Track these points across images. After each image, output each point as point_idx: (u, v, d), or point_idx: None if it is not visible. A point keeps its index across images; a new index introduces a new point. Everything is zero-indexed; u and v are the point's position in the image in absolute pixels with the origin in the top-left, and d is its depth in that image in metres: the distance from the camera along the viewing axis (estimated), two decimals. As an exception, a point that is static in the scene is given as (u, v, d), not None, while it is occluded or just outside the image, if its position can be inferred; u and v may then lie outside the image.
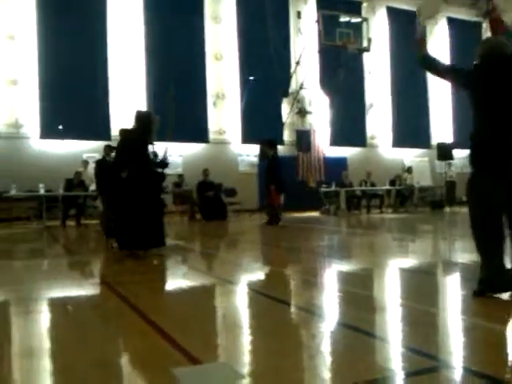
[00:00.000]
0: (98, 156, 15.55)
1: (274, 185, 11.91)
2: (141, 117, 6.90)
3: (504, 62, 3.89)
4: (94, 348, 2.95)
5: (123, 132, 7.15)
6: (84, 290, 4.89)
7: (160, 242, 6.62)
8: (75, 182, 13.36)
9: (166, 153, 7.19)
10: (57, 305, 4.31)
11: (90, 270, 6.53)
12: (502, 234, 3.76)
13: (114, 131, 16.26)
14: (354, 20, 18.83)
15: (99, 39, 16.50)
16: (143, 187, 6.47)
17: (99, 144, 15.83)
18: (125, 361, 2.81)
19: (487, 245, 3.78)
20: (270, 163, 12.23)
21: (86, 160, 14.37)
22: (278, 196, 11.99)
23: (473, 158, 3.91)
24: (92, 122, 15.93)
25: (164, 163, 7.15)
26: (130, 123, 7.02)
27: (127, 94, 16.76)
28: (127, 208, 6.42)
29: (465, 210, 4.23)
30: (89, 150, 15.86)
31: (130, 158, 6.56)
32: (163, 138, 7.39)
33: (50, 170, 14.31)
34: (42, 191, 13.15)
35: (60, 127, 15.82)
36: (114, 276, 5.78)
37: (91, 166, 15.32)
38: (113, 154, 11.04)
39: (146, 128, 6.74)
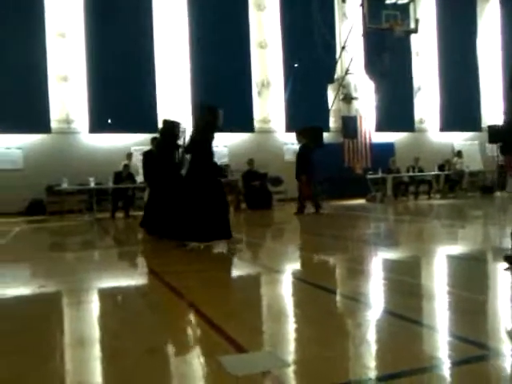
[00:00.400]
0: (145, 148, 15.92)
1: (305, 175, 11.79)
2: (206, 111, 6.93)
3: None
4: (143, 337, 3.03)
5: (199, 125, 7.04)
6: (133, 279, 5.01)
7: (227, 235, 6.55)
8: (124, 175, 13.65)
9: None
10: (107, 295, 4.44)
11: (138, 260, 6.69)
12: None
13: (161, 123, 16.53)
14: (401, 1, 18.36)
15: (145, 32, 16.71)
16: (208, 181, 6.50)
17: (146, 136, 16.14)
18: (173, 349, 2.87)
19: None
20: (300, 152, 12.14)
21: (130, 152, 14.64)
22: (308, 187, 11.83)
23: None
24: (139, 115, 16.18)
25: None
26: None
27: (173, 86, 16.97)
28: (194, 201, 6.40)
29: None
30: (136, 142, 16.14)
31: (197, 154, 6.63)
32: None
33: (99, 164, 14.67)
34: (92, 184, 13.48)
35: (109, 121, 16.17)
36: (162, 266, 5.89)
37: (137, 158, 15.66)
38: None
39: (211, 123, 6.74)
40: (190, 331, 3.17)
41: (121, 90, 15.96)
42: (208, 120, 6.68)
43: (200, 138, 6.61)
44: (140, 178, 14.65)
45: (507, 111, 4.07)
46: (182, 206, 6.49)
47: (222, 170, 7.59)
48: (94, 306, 4.04)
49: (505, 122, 4.07)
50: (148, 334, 3.09)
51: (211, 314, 3.44)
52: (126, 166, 13.91)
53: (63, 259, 6.85)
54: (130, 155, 14.47)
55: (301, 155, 12.01)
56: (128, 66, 16.14)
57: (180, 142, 7.57)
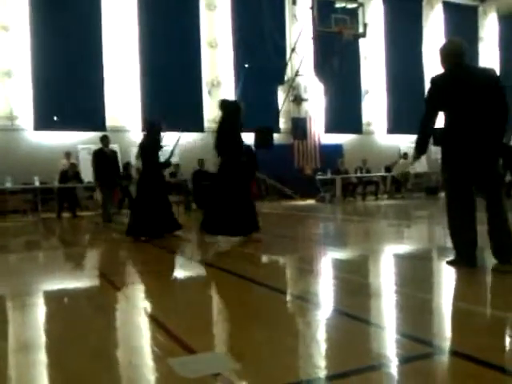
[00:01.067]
0: (92, 147, 15.58)
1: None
2: (228, 106, 7.27)
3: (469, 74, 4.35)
4: (89, 340, 2.95)
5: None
6: (80, 281, 4.89)
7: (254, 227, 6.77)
8: (70, 174, 13.33)
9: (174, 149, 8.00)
10: (52, 298, 4.31)
11: (85, 262, 6.54)
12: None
13: (109, 122, 16.23)
14: (350, 6, 18.67)
15: (93, 29, 16.33)
16: (237, 177, 6.71)
17: (93, 135, 15.80)
18: (120, 352, 2.81)
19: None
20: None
21: (69, 152, 14.28)
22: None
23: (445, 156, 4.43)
24: (86, 113, 15.80)
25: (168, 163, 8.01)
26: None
27: (121, 84, 16.69)
28: (222, 197, 6.60)
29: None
30: (83, 141, 15.80)
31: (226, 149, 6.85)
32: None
33: (44, 162, 14.24)
34: (36, 183, 13.11)
35: (55, 118, 15.71)
36: (110, 267, 5.79)
37: (83, 157, 15.31)
38: (112, 146, 11.16)
39: (234, 117, 7.02)
40: (137, 334, 3.11)
41: (67, 86, 15.56)
42: (232, 113, 7.05)
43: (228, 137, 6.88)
44: (87, 177, 14.38)
45: (421, 122, 4.59)
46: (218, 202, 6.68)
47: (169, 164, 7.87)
48: (38, 309, 3.91)
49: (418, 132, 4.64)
50: (94, 337, 3.01)
51: (160, 316, 3.40)
52: (73, 165, 13.59)
53: (6, 261, 6.61)
54: (68, 154, 14.11)
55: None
56: (75, 63, 15.73)
57: (162, 142, 7.70)
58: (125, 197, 13.58)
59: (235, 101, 7.62)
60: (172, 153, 7.93)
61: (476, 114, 4.22)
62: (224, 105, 7.24)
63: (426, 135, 4.59)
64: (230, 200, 6.53)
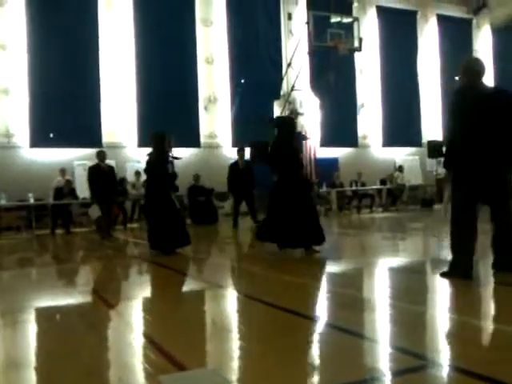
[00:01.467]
0: (89, 163, 15.57)
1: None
2: (284, 122, 7.58)
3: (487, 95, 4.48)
4: (81, 358, 2.92)
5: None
6: (72, 298, 4.86)
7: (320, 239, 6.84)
8: (65, 191, 13.29)
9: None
10: (45, 315, 4.28)
11: (78, 279, 6.50)
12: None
13: (105, 138, 16.22)
14: (345, 20, 18.76)
15: (90, 46, 16.34)
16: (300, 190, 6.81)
17: (90, 151, 15.79)
18: (111, 369, 2.78)
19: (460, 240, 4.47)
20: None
21: (63, 168, 14.24)
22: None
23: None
24: (82, 130, 15.78)
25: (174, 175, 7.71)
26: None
27: (118, 101, 16.72)
28: (285, 211, 6.64)
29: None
30: (78, 157, 15.78)
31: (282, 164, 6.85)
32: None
33: (39, 179, 14.18)
34: (31, 200, 13.09)
35: (51, 135, 15.69)
36: (103, 284, 5.75)
37: (79, 173, 15.31)
38: (108, 161, 11.13)
39: (291, 132, 7.27)
40: (129, 351, 3.08)
41: (64, 103, 15.55)
42: (289, 128, 7.29)
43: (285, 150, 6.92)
44: (83, 193, 14.36)
45: (447, 133, 4.70)
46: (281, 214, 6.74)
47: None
48: (30, 326, 3.87)
49: (446, 141, 4.69)
50: (86, 354, 2.98)
51: (151, 332, 3.37)
52: (68, 182, 13.57)
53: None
54: (63, 170, 14.08)
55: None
56: (72, 80, 15.75)
57: (170, 153, 7.63)
58: (121, 213, 13.57)
59: (289, 116, 7.74)
60: (172, 165, 7.76)
61: (491, 132, 4.36)
62: (280, 121, 7.83)
63: (454, 147, 4.56)
64: (295, 213, 6.62)
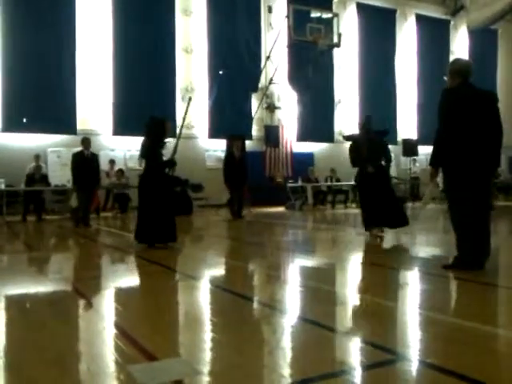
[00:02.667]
0: (63, 150, 15.35)
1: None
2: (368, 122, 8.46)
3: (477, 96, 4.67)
4: (49, 347, 2.88)
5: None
6: (42, 286, 4.79)
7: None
8: (37, 177, 13.09)
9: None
10: (13, 303, 4.20)
11: (50, 266, 6.41)
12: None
13: (80, 125, 15.99)
14: (325, 15, 18.83)
15: (66, 30, 16.05)
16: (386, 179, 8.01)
17: (64, 138, 15.57)
18: (80, 359, 2.75)
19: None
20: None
21: (38, 154, 13.97)
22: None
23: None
24: (57, 115, 15.51)
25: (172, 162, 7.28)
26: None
27: (94, 88, 16.49)
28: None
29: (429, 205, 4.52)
30: (52, 143, 15.56)
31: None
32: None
33: (11, 165, 13.96)
34: (2, 186, 12.86)
35: (24, 120, 15.40)
36: (74, 272, 5.69)
37: (53, 160, 15.11)
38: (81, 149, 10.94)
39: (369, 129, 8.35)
40: (98, 340, 3.05)
41: (38, 89, 15.27)
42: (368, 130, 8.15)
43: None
44: (56, 180, 14.16)
45: (437, 131, 4.68)
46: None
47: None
48: (-3, 313, 3.80)
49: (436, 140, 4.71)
50: (54, 343, 2.94)
51: (122, 322, 3.34)
52: (39, 167, 13.34)
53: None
54: (37, 157, 13.84)
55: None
56: (47, 64, 15.47)
57: (167, 139, 7.19)
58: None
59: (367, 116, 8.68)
60: (175, 149, 7.43)
61: (480, 131, 4.55)
62: (367, 121, 8.52)
63: (444, 147, 4.67)
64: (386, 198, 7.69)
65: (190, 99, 8.66)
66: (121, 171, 15.08)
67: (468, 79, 4.75)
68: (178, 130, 9.04)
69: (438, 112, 4.69)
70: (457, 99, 4.65)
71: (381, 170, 7.94)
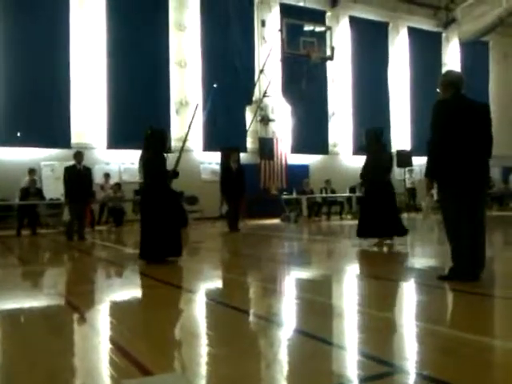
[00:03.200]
0: (56, 164, 15.31)
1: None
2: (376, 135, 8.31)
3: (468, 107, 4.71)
4: (44, 361, 2.85)
5: None
6: (37, 301, 4.75)
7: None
8: (31, 191, 13.04)
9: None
10: (7, 317, 4.16)
11: (44, 281, 6.37)
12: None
13: (74, 139, 15.99)
14: (318, 29, 18.99)
15: (61, 45, 16.11)
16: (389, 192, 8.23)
17: (58, 152, 15.55)
18: (75, 374, 2.72)
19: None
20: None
21: (33, 168, 13.95)
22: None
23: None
24: (52, 129, 15.51)
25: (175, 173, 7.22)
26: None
27: (89, 102, 16.51)
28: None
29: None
30: (46, 157, 15.54)
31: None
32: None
33: (6, 179, 13.93)
34: (-4, 200, 12.82)
35: (18, 134, 15.37)
36: (69, 286, 5.65)
37: (47, 174, 15.07)
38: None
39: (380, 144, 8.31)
40: (93, 355, 3.03)
41: (33, 103, 15.29)
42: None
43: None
44: (50, 194, 14.11)
45: (429, 142, 4.70)
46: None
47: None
48: (-9, 329, 3.77)
49: (428, 151, 4.73)
50: (49, 358, 2.92)
51: (117, 337, 3.32)
52: (33, 181, 13.30)
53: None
54: (32, 171, 13.81)
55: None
56: (42, 80, 15.50)
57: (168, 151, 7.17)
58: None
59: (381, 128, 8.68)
60: (178, 160, 7.33)
61: (473, 142, 4.59)
62: (372, 134, 8.30)
63: (438, 158, 4.67)
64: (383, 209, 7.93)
65: (196, 106, 8.62)
66: (118, 185, 15.06)
67: (460, 90, 4.78)
68: (176, 143, 8.98)
69: (431, 123, 4.70)
70: (450, 111, 4.68)
71: (389, 184, 8.27)
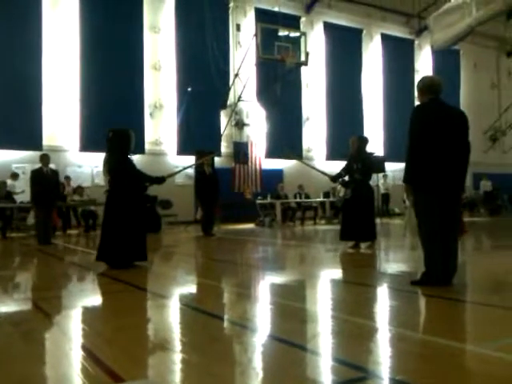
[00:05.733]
0: (28, 166, 15.05)
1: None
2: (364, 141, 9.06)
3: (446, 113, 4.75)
4: (13, 368, 2.79)
5: None
6: (6, 306, 4.65)
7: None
8: (1, 194, 12.79)
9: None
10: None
11: (14, 286, 6.23)
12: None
13: (46, 141, 15.75)
14: (293, 34, 19.09)
15: (33, 46, 15.86)
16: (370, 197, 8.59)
17: (29, 154, 15.29)
18: (46, 381, 2.67)
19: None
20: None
21: (15, 172, 13.72)
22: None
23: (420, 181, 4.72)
24: (23, 131, 15.26)
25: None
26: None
27: (61, 104, 16.29)
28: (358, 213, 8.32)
29: (397, 221, 4.53)
30: (18, 160, 15.27)
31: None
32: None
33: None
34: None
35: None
36: (40, 291, 5.54)
37: (22, 177, 14.80)
38: (51, 165, 10.73)
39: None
40: (65, 362, 2.97)
41: (3, 104, 15.04)
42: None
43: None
44: (22, 197, 13.86)
45: (407, 149, 4.71)
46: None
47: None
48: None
49: (406, 156, 4.75)
50: (19, 365, 2.85)
51: (88, 343, 3.26)
52: (3, 184, 13.05)
53: None
54: (15, 175, 13.56)
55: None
56: (13, 80, 15.26)
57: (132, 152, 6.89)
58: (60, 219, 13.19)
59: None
60: (175, 174, 7.14)
61: (450, 148, 4.62)
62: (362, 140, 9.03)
63: (416, 163, 4.68)
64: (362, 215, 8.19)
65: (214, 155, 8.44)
66: (80, 188, 14.75)
67: (438, 96, 4.81)
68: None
69: (409, 128, 4.69)
70: (428, 115, 4.69)
71: (371, 189, 8.66)
